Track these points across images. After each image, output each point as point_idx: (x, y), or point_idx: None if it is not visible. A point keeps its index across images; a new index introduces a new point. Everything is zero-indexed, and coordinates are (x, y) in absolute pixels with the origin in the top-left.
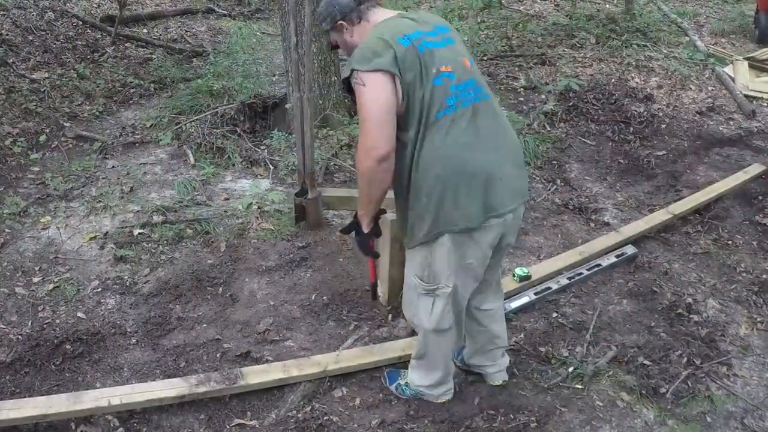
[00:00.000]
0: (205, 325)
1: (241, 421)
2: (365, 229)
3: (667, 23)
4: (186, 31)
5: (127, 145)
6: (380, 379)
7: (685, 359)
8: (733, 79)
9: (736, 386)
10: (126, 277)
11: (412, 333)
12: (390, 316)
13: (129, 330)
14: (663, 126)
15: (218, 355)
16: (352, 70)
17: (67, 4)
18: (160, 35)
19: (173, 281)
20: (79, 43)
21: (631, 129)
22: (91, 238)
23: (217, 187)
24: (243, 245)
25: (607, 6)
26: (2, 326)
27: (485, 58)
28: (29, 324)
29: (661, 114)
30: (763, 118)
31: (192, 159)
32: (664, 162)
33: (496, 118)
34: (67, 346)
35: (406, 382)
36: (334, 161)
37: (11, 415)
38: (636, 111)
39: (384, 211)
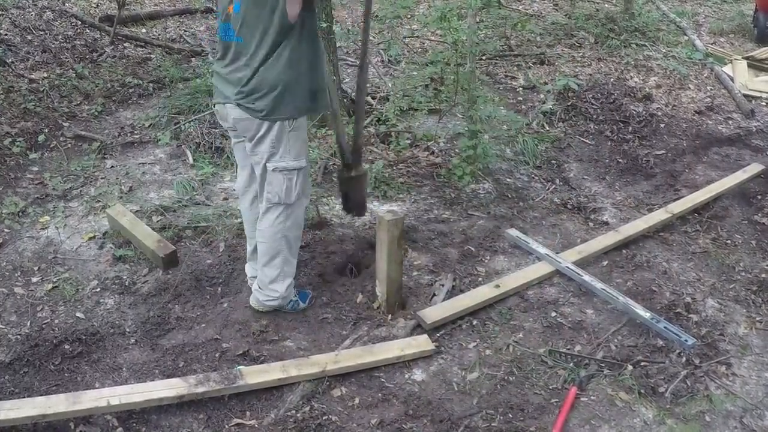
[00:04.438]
0: (204, 324)
1: (240, 421)
2: None
3: (666, 23)
4: (185, 31)
5: (126, 144)
6: (379, 378)
7: (684, 358)
8: (732, 79)
9: (735, 385)
10: (125, 277)
11: (411, 332)
12: (389, 315)
13: (128, 330)
14: (662, 125)
15: (217, 355)
16: None
17: (66, 4)
18: (159, 35)
19: (172, 281)
20: (78, 42)
21: (630, 128)
22: (90, 238)
23: (216, 186)
24: (242, 245)
25: (606, 5)
26: (1, 326)
27: (484, 57)
28: (28, 324)
29: (660, 113)
30: (761, 118)
31: (191, 159)
32: (663, 161)
33: None
34: (66, 346)
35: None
36: (333, 161)
37: (10, 415)
38: (635, 110)
39: None
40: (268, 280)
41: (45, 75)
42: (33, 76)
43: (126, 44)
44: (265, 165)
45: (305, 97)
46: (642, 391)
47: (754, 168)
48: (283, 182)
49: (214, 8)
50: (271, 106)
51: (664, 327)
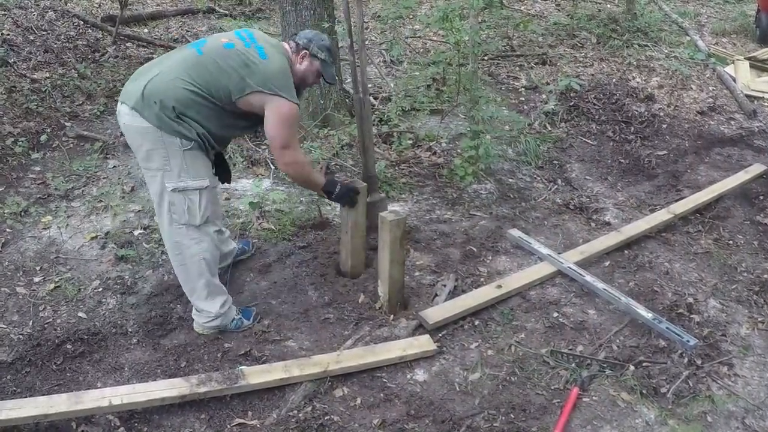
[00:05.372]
0: None
1: (242, 421)
2: (332, 191)
3: (668, 23)
4: (187, 31)
5: (128, 144)
6: (381, 378)
7: (686, 359)
8: (734, 79)
9: (737, 386)
10: (127, 277)
11: (413, 333)
12: (391, 316)
13: (130, 330)
14: (664, 126)
15: (219, 355)
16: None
17: (68, 4)
18: (161, 35)
19: (174, 281)
20: (80, 42)
21: (632, 129)
22: (92, 238)
23: (216, 187)
24: None
25: (608, 6)
26: (3, 326)
27: (486, 58)
28: (30, 324)
29: (662, 114)
30: (764, 118)
31: None
32: (665, 162)
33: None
34: (68, 346)
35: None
36: (335, 161)
37: (12, 414)
38: (637, 111)
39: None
40: (199, 302)
41: (47, 75)
42: (35, 76)
43: (128, 44)
44: (163, 183)
45: (203, 144)
46: (644, 391)
47: (757, 168)
48: (185, 203)
49: (216, 8)
50: (165, 112)
51: (666, 327)
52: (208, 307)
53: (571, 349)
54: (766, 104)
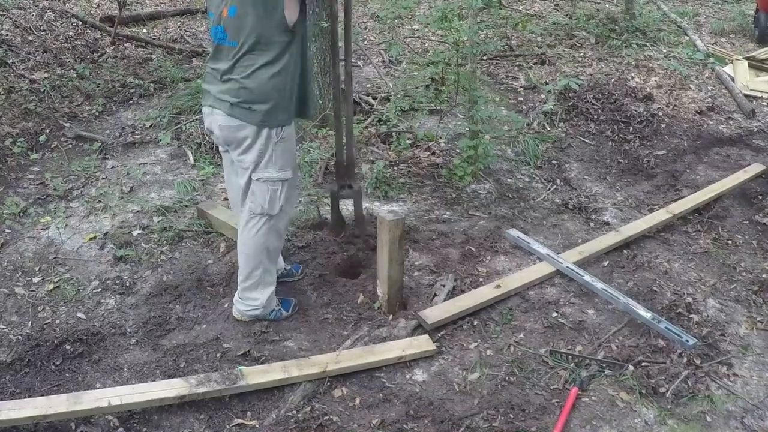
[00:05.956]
0: (205, 325)
1: (241, 421)
2: None
3: (667, 23)
4: (186, 31)
5: (127, 145)
6: (380, 378)
7: (685, 359)
8: (732, 79)
9: (736, 386)
10: (126, 278)
11: (412, 333)
12: (390, 316)
13: (129, 330)
14: (663, 125)
15: (218, 355)
16: None
17: (67, 5)
18: (160, 35)
19: (173, 281)
20: (79, 43)
21: (631, 128)
22: (90, 239)
23: (217, 187)
24: None
25: (607, 6)
26: (2, 326)
27: (485, 57)
28: (29, 324)
29: (660, 113)
30: (762, 118)
31: (192, 159)
32: (664, 161)
33: None
34: (67, 347)
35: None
36: (333, 161)
37: (11, 415)
38: (636, 111)
39: None
40: (248, 290)
41: (46, 75)
42: (34, 77)
43: (127, 44)
44: (250, 175)
45: (294, 104)
46: (643, 391)
47: (755, 168)
48: (267, 192)
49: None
50: (264, 114)
51: (665, 327)
52: (255, 296)
53: (570, 349)
54: (764, 104)
